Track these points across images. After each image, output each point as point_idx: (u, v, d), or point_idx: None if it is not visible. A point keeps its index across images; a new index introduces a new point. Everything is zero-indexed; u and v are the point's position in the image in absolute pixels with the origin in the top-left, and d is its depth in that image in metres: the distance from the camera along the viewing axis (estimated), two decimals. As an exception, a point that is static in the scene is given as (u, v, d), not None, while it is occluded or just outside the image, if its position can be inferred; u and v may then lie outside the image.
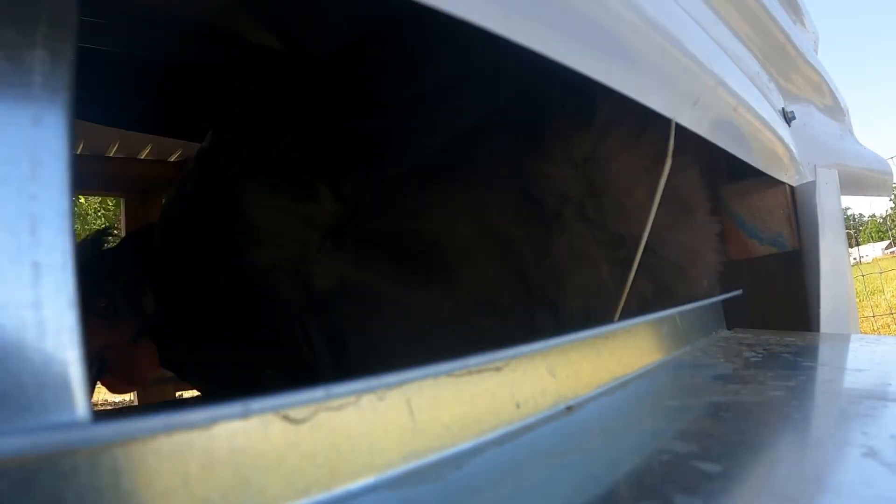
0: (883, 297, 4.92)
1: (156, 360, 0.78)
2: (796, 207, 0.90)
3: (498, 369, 0.37)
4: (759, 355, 0.60)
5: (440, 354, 0.32)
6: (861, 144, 1.40)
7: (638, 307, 0.59)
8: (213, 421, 0.23)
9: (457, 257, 0.62)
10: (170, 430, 0.22)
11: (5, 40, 0.20)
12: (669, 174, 0.52)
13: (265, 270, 0.62)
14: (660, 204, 0.53)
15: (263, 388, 0.39)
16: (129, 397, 2.11)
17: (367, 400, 0.29)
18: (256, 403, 0.24)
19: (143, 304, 0.75)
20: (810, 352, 0.62)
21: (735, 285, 0.83)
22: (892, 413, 0.37)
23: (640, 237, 0.54)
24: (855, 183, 1.26)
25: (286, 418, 0.25)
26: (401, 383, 0.31)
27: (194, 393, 1.24)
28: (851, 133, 1.38)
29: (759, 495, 0.27)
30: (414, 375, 0.31)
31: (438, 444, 0.32)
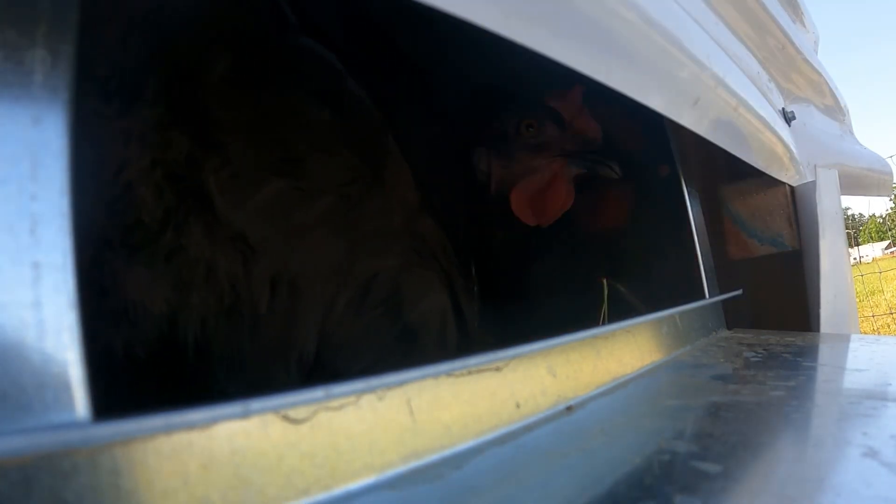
0: (883, 297, 4.92)
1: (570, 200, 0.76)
2: (796, 207, 0.90)
3: (498, 369, 0.37)
4: (759, 355, 0.60)
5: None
6: (861, 144, 1.40)
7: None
8: (213, 421, 0.23)
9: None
10: (170, 430, 0.22)
11: (5, 40, 0.20)
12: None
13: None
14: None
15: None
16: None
17: (367, 400, 0.29)
18: (256, 403, 0.24)
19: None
20: (810, 352, 0.62)
21: (735, 285, 0.83)
22: (892, 413, 0.37)
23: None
24: (855, 183, 1.26)
25: (286, 418, 0.25)
26: (401, 383, 0.31)
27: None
28: (851, 133, 1.38)
29: (759, 495, 0.27)
30: (414, 375, 0.31)
31: (438, 444, 0.32)
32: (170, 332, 0.49)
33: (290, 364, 0.55)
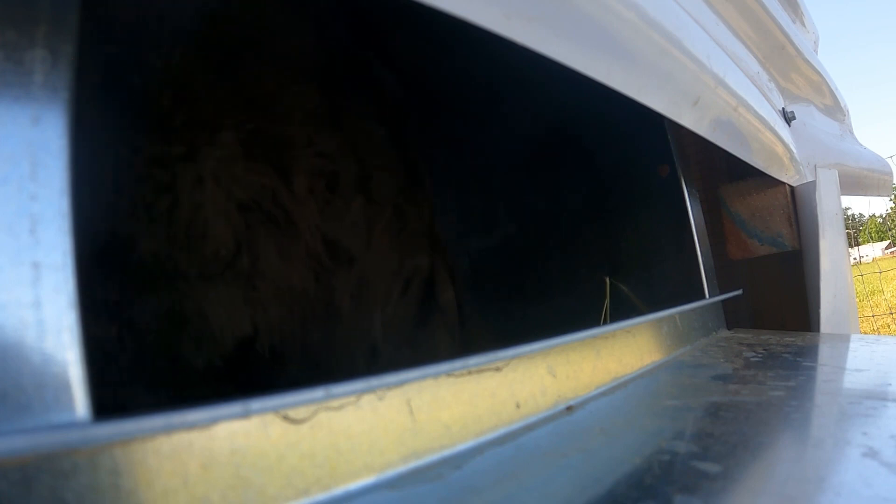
0: (883, 297, 4.92)
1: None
2: (796, 207, 0.90)
3: (498, 369, 0.37)
4: (759, 355, 0.60)
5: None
6: (861, 144, 1.40)
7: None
8: (213, 421, 0.23)
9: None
10: (170, 430, 0.22)
11: (5, 40, 0.20)
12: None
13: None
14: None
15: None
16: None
17: (367, 400, 0.29)
18: (256, 403, 0.24)
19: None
20: (810, 352, 0.62)
21: (735, 285, 0.83)
22: (892, 413, 0.37)
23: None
24: (855, 183, 1.26)
25: (286, 418, 0.25)
26: (401, 383, 0.31)
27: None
28: (851, 133, 1.38)
29: (759, 495, 0.27)
30: (414, 375, 0.31)
31: (438, 444, 0.32)
32: (250, 345, 0.53)
33: (364, 354, 0.61)
